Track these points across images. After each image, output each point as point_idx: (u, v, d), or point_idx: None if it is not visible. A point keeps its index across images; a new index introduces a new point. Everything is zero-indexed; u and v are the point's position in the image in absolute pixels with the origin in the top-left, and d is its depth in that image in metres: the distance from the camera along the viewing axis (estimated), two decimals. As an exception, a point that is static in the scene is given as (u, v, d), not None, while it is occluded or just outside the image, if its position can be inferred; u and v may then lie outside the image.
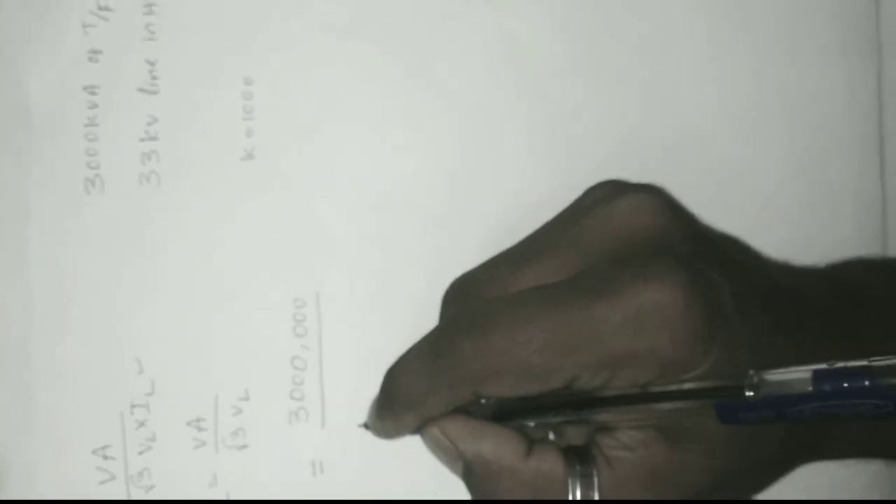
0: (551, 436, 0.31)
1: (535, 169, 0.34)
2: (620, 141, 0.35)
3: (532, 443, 0.29)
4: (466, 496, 0.34)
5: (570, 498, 0.27)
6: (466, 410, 0.29)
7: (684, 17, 0.35)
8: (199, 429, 0.33)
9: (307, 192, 0.33)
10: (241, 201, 0.33)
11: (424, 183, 0.34)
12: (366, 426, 0.32)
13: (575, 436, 0.30)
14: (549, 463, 0.28)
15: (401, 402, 0.29)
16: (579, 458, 0.28)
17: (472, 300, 0.29)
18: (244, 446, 0.33)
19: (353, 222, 0.33)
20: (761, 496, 0.34)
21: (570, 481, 0.27)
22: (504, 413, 0.29)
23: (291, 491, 0.33)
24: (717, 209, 0.35)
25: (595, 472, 0.27)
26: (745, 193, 0.35)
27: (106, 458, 0.32)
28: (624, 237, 0.28)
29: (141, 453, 0.32)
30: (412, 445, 0.33)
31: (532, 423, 0.29)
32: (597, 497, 0.27)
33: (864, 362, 0.22)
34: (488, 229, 0.33)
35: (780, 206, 0.36)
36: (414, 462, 0.34)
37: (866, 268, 0.35)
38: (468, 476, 0.29)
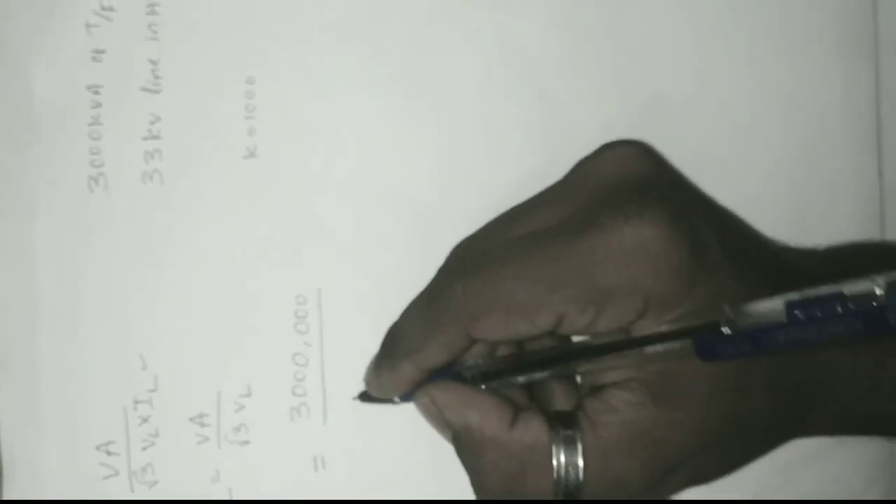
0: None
1: (536, 167, 0.34)
2: (621, 138, 0.35)
3: (518, 411, 0.29)
4: (468, 494, 0.34)
5: (555, 463, 0.27)
6: (459, 374, 0.30)
7: (683, 16, 0.35)
8: (202, 424, 0.33)
9: (309, 189, 0.33)
10: (244, 199, 0.33)
11: (425, 181, 0.34)
12: (361, 398, 0.32)
13: (563, 401, 0.31)
14: (533, 432, 0.28)
15: (399, 351, 0.29)
16: (564, 423, 0.28)
17: (468, 254, 0.30)
18: (246, 442, 0.33)
19: (354, 220, 0.34)
20: (771, 496, 0.34)
21: (553, 448, 0.28)
22: (493, 373, 0.29)
23: (293, 486, 0.33)
24: (715, 206, 0.35)
25: (579, 437, 0.27)
26: (743, 191, 0.36)
27: (109, 453, 0.33)
28: (609, 185, 0.28)
29: (144, 449, 0.33)
30: (414, 441, 0.34)
31: (521, 380, 0.29)
32: (581, 463, 0.27)
33: (833, 288, 0.23)
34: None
35: (779, 204, 0.36)
36: (415, 458, 0.34)
37: (862, 250, 0.35)
38: (456, 445, 0.29)
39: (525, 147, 0.35)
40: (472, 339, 0.28)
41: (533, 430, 0.28)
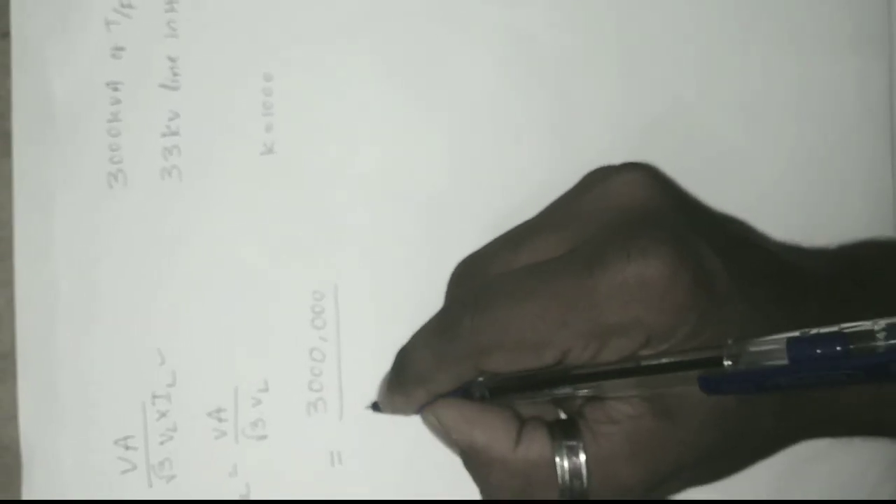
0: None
1: (548, 164, 0.34)
2: (631, 136, 0.35)
3: (523, 424, 0.29)
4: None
5: (559, 475, 0.28)
6: (467, 391, 0.30)
7: (695, 14, 0.35)
8: (220, 419, 0.33)
9: (326, 185, 0.34)
10: (261, 195, 0.33)
11: (439, 177, 0.34)
12: (374, 408, 0.33)
13: (567, 408, 0.31)
14: (537, 448, 0.29)
15: (411, 380, 0.30)
16: (566, 434, 0.29)
17: (474, 279, 0.31)
18: (263, 437, 0.33)
19: (370, 216, 0.34)
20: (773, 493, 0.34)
21: (557, 461, 0.28)
22: (500, 389, 0.30)
23: (310, 481, 0.33)
24: (727, 203, 0.35)
25: (581, 447, 0.28)
26: (756, 188, 0.36)
27: (128, 448, 0.33)
28: (617, 212, 0.29)
29: (162, 443, 0.33)
30: (429, 437, 0.34)
31: (526, 398, 0.30)
32: (584, 473, 0.28)
33: (835, 328, 0.23)
34: (505, 222, 0.33)
35: (792, 200, 0.36)
36: (430, 453, 0.34)
37: (876, 248, 0.35)
38: (465, 462, 0.30)
39: (537, 144, 0.35)
40: (481, 371, 0.29)
41: (537, 445, 0.29)
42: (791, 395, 0.28)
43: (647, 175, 0.30)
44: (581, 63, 0.35)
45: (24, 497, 0.33)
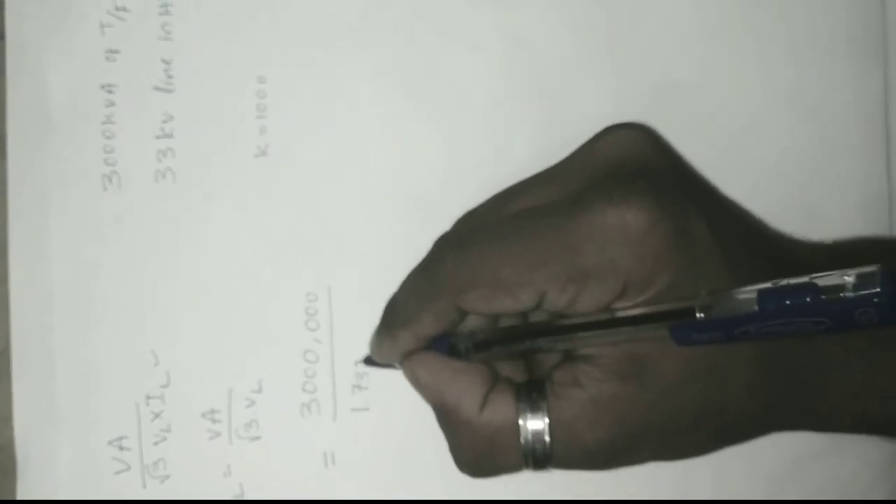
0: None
1: (545, 164, 0.34)
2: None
3: (491, 386, 0.30)
4: (476, 493, 0.34)
5: (522, 440, 0.29)
6: (454, 345, 0.30)
7: (691, 16, 0.35)
8: (214, 420, 0.33)
9: (320, 188, 0.34)
10: (255, 197, 0.33)
11: (434, 179, 0.34)
12: (365, 361, 0.33)
13: (539, 370, 0.31)
14: (502, 411, 0.29)
15: (397, 321, 0.30)
16: (532, 397, 0.29)
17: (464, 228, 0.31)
18: (257, 438, 0.33)
19: (364, 217, 0.34)
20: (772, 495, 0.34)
21: (521, 424, 0.29)
22: (481, 343, 0.30)
23: (303, 482, 0.34)
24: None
25: (545, 411, 0.28)
26: (751, 189, 0.36)
27: (122, 448, 0.33)
28: (607, 166, 0.29)
29: (156, 444, 0.33)
30: (422, 439, 0.34)
31: (508, 351, 0.30)
32: (547, 439, 0.28)
33: (805, 279, 0.23)
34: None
35: (787, 202, 0.36)
36: (423, 455, 0.34)
37: (868, 244, 0.35)
38: (437, 417, 0.30)
39: (532, 145, 0.35)
40: (462, 312, 0.29)
41: (502, 408, 0.29)
42: (764, 371, 0.28)
43: (640, 133, 0.30)
44: (576, 65, 0.35)
45: (19, 497, 0.33)
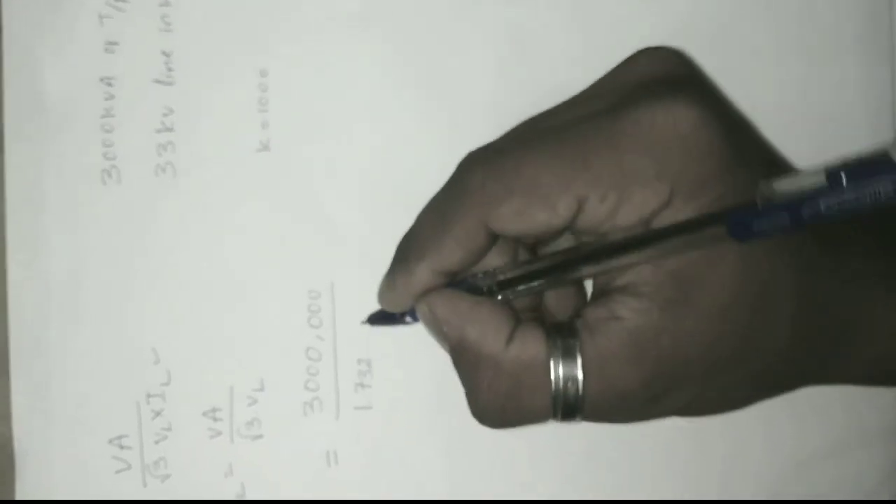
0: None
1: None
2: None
3: (517, 323, 0.27)
4: (481, 492, 0.34)
5: (552, 378, 0.26)
6: (475, 285, 0.28)
7: (697, 14, 0.35)
8: (215, 419, 0.33)
9: (322, 183, 0.33)
10: (257, 192, 0.33)
11: (438, 175, 0.34)
12: (369, 321, 0.31)
13: (563, 311, 0.29)
14: (530, 348, 0.26)
15: (413, 252, 0.28)
16: (563, 334, 0.26)
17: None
18: (259, 436, 0.33)
19: (367, 213, 0.33)
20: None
21: (551, 363, 0.26)
22: (508, 280, 0.28)
23: (306, 481, 0.33)
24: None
25: (578, 348, 0.26)
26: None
27: (122, 447, 0.33)
28: (649, 78, 0.27)
29: (157, 443, 0.33)
30: (426, 437, 0.34)
31: (536, 287, 0.28)
32: (580, 376, 0.26)
33: (880, 150, 0.21)
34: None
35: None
36: (427, 453, 0.34)
37: None
38: (454, 359, 0.28)
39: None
40: (489, 235, 0.27)
41: (531, 344, 0.26)
42: (809, 305, 0.26)
43: (672, 52, 0.29)
44: (580, 62, 0.34)
45: (18, 496, 0.33)
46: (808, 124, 0.35)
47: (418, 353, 0.32)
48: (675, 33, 0.35)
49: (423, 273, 0.27)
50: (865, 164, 0.21)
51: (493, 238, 0.27)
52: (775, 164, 0.28)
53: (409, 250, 0.28)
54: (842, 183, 0.22)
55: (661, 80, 0.27)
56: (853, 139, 0.35)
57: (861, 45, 0.35)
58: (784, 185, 0.23)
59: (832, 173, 0.22)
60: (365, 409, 0.34)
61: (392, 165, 0.34)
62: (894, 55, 0.35)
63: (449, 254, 0.27)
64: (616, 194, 0.25)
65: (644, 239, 0.25)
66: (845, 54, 0.35)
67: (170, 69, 0.33)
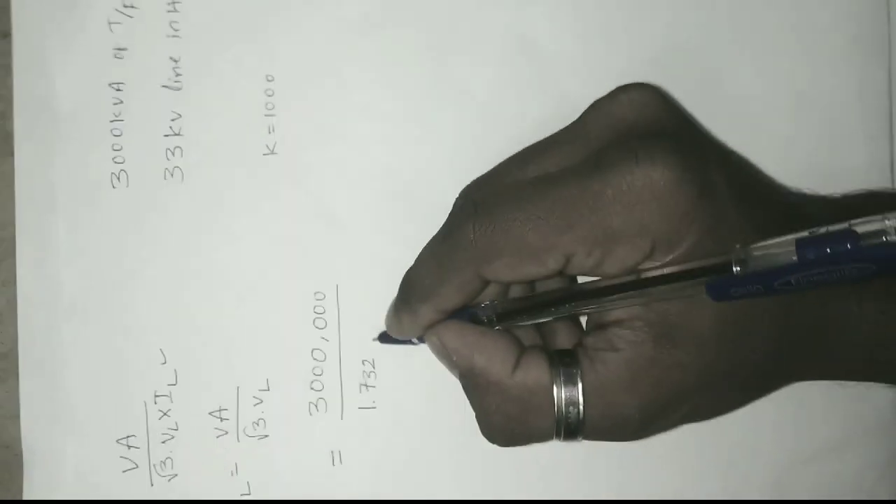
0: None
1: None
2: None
3: (522, 351, 0.29)
4: (483, 491, 0.34)
5: (555, 402, 0.28)
6: (475, 314, 0.30)
7: (696, 14, 0.35)
8: (221, 419, 0.33)
9: (328, 186, 0.34)
10: (263, 196, 0.33)
11: (442, 178, 0.34)
12: (381, 339, 0.33)
13: (568, 341, 0.31)
14: (534, 374, 0.28)
15: (416, 294, 0.30)
16: (565, 362, 0.28)
17: (480, 192, 0.30)
18: (265, 436, 0.33)
19: (372, 216, 0.34)
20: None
21: (554, 388, 0.28)
22: (506, 314, 0.30)
23: (311, 481, 0.34)
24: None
25: (579, 375, 0.28)
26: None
27: (130, 447, 0.33)
28: (625, 127, 0.29)
29: (164, 442, 0.33)
30: (430, 437, 0.34)
31: (532, 320, 0.30)
32: (581, 400, 0.28)
33: (844, 226, 0.23)
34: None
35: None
36: (431, 453, 0.34)
37: (874, 196, 0.35)
38: (463, 385, 0.30)
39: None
40: (484, 281, 0.28)
41: (534, 371, 0.28)
42: (784, 323, 0.28)
43: (653, 94, 0.29)
44: (583, 66, 0.35)
45: (26, 496, 0.33)
46: (804, 126, 0.35)
47: (421, 354, 0.32)
48: (672, 37, 0.35)
49: (426, 313, 0.30)
50: (833, 239, 0.23)
51: (488, 282, 0.29)
52: (759, 197, 0.29)
53: (411, 293, 0.30)
54: (810, 260, 0.23)
55: (640, 130, 0.28)
56: (849, 140, 0.36)
57: (857, 47, 0.36)
58: (757, 255, 0.25)
59: (802, 250, 0.23)
60: (369, 409, 0.34)
61: (397, 168, 0.34)
62: (891, 57, 0.36)
63: (448, 298, 0.29)
64: (600, 250, 0.27)
65: (631, 285, 0.27)
66: (842, 55, 0.35)
67: (178, 74, 0.33)
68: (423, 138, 0.34)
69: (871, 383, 0.33)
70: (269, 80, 0.33)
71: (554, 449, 0.34)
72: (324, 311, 0.34)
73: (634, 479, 0.35)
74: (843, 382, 0.33)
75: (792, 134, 0.35)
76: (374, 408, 0.34)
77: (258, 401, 0.33)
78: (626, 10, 0.35)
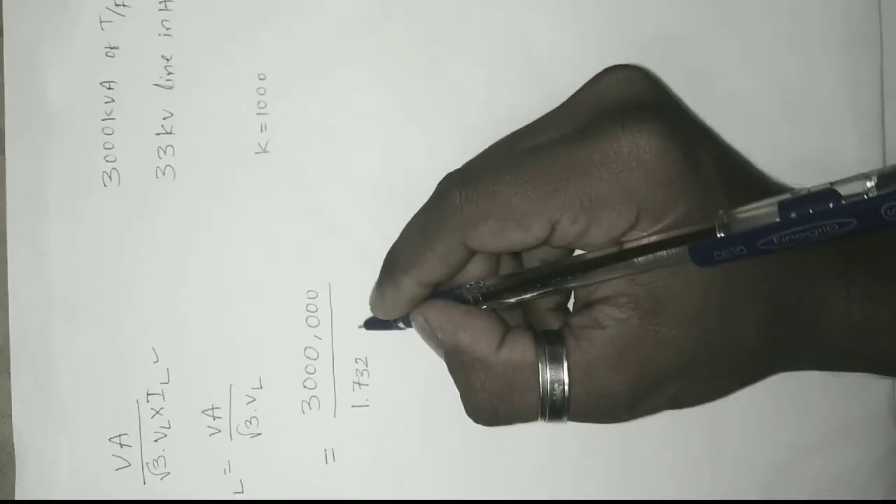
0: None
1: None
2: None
3: (508, 330, 0.29)
4: (476, 490, 0.34)
5: (540, 380, 0.28)
6: (461, 295, 0.30)
7: (689, 14, 0.35)
8: (214, 417, 0.33)
9: (320, 185, 0.34)
10: (256, 194, 0.33)
11: (434, 176, 0.34)
12: (366, 325, 0.33)
13: (554, 321, 0.31)
14: (519, 351, 0.28)
15: (399, 265, 0.30)
16: (550, 340, 0.28)
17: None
18: (258, 434, 0.33)
19: (365, 215, 0.34)
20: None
21: (539, 365, 0.28)
22: (492, 292, 0.30)
23: (304, 479, 0.34)
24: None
25: (565, 353, 0.28)
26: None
27: (122, 445, 0.33)
28: (611, 103, 0.29)
29: (156, 441, 0.33)
30: (423, 435, 0.34)
31: (518, 298, 0.30)
32: (566, 379, 0.28)
33: (826, 185, 0.23)
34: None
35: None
36: (424, 452, 0.34)
37: None
38: (448, 364, 0.30)
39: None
40: (469, 251, 0.28)
41: (519, 349, 0.28)
42: (770, 305, 0.28)
43: (639, 73, 0.30)
44: (578, 65, 0.35)
45: (18, 495, 0.33)
46: (795, 122, 0.36)
47: (414, 351, 0.32)
48: (665, 37, 0.35)
49: (409, 285, 0.29)
50: (815, 199, 0.23)
51: (472, 252, 0.29)
52: (742, 179, 0.29)
53: (394, 264, 0.30)
54: (792, 219, 0.23)
55: (626, 105, 0.28)
56: (841, 138, 0.36)
57: (849, 44, 0.36)
58: (741, 217, 0.25)
59: (784, 208, 0.23)
60: (362, 408, 0.34)
61: (388, 167, 0.34)
62: (882, 54, 0.36)
63: (431, 268, 0.29)
64: (586, 217, 0.27)
65: (615, 257, 0.27)
66: (833, 53, 0.36)
67: (169, 73, 0.33)
68: (416, 137, 0.34)
69: (867, 376, 0.32)
70: (261, 79, 0.33)
71: (551, 446, 0.35)
72: (316, 310, 0.34)
73: (628, 478, 0.35)
74: (838, 374, 0.33)
75: (784, 132, 0.36)
76: (368, 406, 0.34)
77: (251, 399, 0.33)
78: (620, 10, 0.35)
